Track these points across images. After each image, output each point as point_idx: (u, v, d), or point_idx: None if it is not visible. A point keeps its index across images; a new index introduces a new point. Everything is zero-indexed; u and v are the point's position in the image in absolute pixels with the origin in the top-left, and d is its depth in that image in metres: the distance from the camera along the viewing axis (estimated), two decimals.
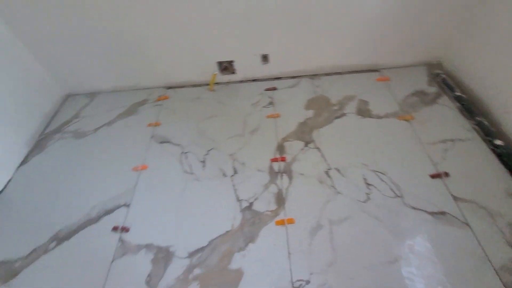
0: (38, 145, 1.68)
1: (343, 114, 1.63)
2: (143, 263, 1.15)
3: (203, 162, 1.48)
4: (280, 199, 1.29)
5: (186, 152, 1.54)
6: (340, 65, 1.86)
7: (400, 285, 1.00)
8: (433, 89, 1.68)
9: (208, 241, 1.19)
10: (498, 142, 1.32)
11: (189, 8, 1.51)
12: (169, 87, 1.96)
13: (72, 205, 1.37)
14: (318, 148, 1.48)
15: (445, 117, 1.52)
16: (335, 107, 1.67)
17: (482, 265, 1.02)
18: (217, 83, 1.93)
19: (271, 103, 1.75)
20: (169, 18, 1.55)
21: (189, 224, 1.25)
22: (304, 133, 1.56)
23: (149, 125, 1.71)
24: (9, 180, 1.51)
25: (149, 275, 1.12)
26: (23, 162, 1.59)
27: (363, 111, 1.63)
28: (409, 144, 1.43)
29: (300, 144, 1.51)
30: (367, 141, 1.47)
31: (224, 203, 1.30)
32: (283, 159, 1.44)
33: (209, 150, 1.53)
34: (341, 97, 1.72)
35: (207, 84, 1.94)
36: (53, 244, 1.24)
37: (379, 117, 1.58)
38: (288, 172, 1.39)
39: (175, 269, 1.12)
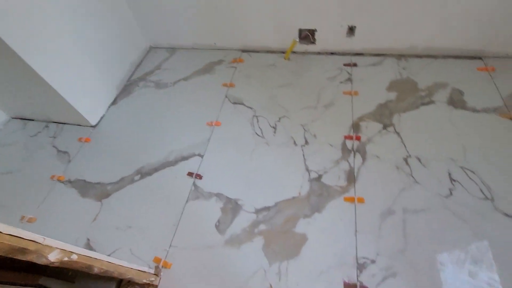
0: (126, 89, 1.86)
1: (431, 102, 1.47)
2: (213, 209, 1.25)
3: (274, 128, 1.49)
4: (351, 177, 1.26)
5: (258, 116, 1.56)
6: (437, 47, 1.65)
7: None
8: None
9: (274, 202, 1.23)
10: None
11: None
12: (244, 51, 1.96)
13: (153, 146, 1.51)
14: (397, 133, 1.38)
15: None
16: (423, 93, 1.52)
17: None
18: (293, 52, 1.88)
19: (349, 80, 1.66)
20: None
21: (257, 183, 1.30)
22: (383, 116, 1.46)
23: (224, 85, 1.76)
24: (102, 116, 1.71)
25: (218, 221, 1.21)
26: (113, 103, 1.78)
27: (456, 102, 1.45)
28: (510, 146, 1.25)
29: (378, 126, 1.42)
30: (457, 135, 1.33)
31: (292, 171, 1.32)
32: (358, 138, 1.38)
33: (280, 118, 1.53)
34: (431, 83, 1.55)
35: (283, 52, 1.89)
36: (138, 176, 1.40)
37: (475, 110, 1.40)
38: (361, 152, 1.34)
39: (242, 220, 1.20)
